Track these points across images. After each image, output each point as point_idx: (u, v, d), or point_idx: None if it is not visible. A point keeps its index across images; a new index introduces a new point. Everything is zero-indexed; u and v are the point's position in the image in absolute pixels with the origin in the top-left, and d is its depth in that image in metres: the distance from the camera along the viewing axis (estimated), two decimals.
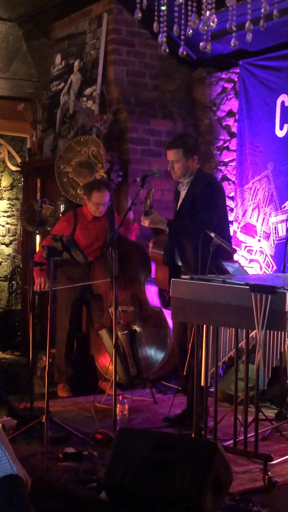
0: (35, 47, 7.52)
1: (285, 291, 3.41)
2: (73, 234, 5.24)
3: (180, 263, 4.49)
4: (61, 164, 6.11)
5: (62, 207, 6.48)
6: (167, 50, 3.00)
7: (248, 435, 3.74)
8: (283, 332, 3.50)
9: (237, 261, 4.40)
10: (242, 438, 3.73)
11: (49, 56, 7.22)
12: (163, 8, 3.02)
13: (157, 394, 5.38)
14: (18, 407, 4.77)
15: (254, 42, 4.62)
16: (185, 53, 3.06)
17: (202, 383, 3.79)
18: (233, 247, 4.12)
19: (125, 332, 5.00)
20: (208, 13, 2.90)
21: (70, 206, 6.27)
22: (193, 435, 3.91)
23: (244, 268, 4.75)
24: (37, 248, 6.43)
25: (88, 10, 6.55)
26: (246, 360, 3.69)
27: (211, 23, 2.93)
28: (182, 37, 3.03)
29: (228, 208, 6.08)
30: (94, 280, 5.22)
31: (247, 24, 2.90)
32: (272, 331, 3.49)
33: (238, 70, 5.91)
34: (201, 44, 2.95)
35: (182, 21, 3.05)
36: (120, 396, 4.36)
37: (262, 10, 2.85)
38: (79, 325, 5.79)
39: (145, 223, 4.45)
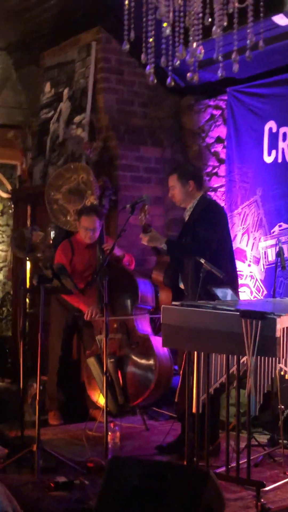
0: (25, 75, 7.59)
1: (275, 317, 3.43)
2: (70, 262, 5.26)
3: (182, 286, 4.51)
4: (51, 191, 6.13)
5: (52, 234, 6.50)
6: (155, 80, 3.03)
7: (240, 462, 3.73)
8: (273, 358, 3.50)
9: (228, 287, 4.41)
10: (235, 464, 3.72)
11: (39, 84, 7.29)
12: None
13: (149, 420, 5.36)
14: (9, 436, 4.74)
15: (241, 70, 4.67)
16: (172, 83, 3.10)
17: (194, 410, 3.78)
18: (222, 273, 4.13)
19: (111, 360, 4.97)
20: (195, 44, 2.95)
21: (60, 232, 6.29)
22: (185, 463, 3.89)
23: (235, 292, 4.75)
24: (28, 275, 6.44)
25: (77, 39, 6.63)
26: (238, 385, 3.69)
27: (198, 54, 2.98)
28: (169, 67, 3.07)
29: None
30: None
31: (233, 55, 2.94)
32: (263, 357, 3.49)
33: (226, 97, 5.97)
34: (188, 74, 3.00)
35: (170, 52, 3.09)
36: (112, 424, 4.34)
37: (248, 41, 2.91)
38: (71, 350, 5.77)
39: (144, 240, 4.48)
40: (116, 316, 5.09)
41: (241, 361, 3.65)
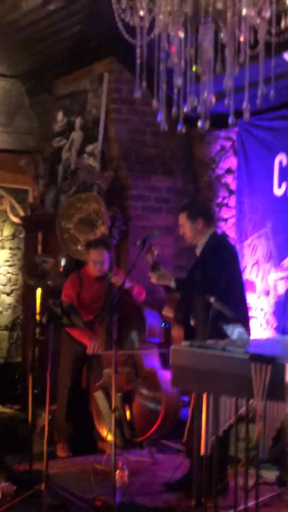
0: (37, 103, 7.66)
1: (284, 362, 3.41)
2: (79, 294, 5.27)
3: (193, 323, 4.51)
4: (62, 221, 6.17)
5: (63, 262, 6.52)
6: (166, 128, 3.07)
7: (249, 504, 3.70)
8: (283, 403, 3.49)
9: (238, 324, 4.41)
10: (243, 506, 3.69)
11: (51, 111, 7.35)
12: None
13: (157, 453, 5.34)
14: (17, 470, 4.74)
15: (252, 102, 4.73)
16: (184, 130, 3.13)
17: (202, 452, 3.76)
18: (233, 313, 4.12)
19: (119, 394, 4.97)
20: (205, 93, 2.98)
21: (71, 261, 6.32)
22: (193, 503, 3.87)
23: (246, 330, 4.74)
24: (38, 302, 6.45)
25: (89, 69, 6.69)
26: (246, 421, 3.67)
27: (209, 103, 3.02)
28: (180, 114, 3.10)
29: None
30: None
31: (245, 95, 3.00)
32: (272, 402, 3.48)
33: (236, 129, 6.00)
34: (199, 123, 3.03)
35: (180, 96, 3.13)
36: (120, 462, 4.33)
37: (260, 89, 2.96)
38: (81, 382, 5.77)
39: (153, 279, 4.49)
40: (123, 350, 5.08)
41: (250, 402, 3.64)
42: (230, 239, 6.15)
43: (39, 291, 6.66)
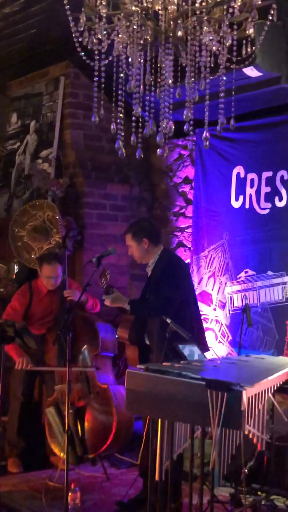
0: None
1: (241, 388, 3.37)
2: (28, 308, 5.15)
3: (148, 342, 4.45)
4: (15, 228, 6.02)
5: (15, 268, 6.39)
6: (124, 154, 2.99)
7: None
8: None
9: (194, 344, 4.37)
10: None
11: (5, 113, 7.17)
12: None
13: (110, 468, 5.27)
14: None
15: (212, 113, 4.70)
16: (142, 155, 3.06)
17: (157, 477, 3.70)
18: (189, 335, 4.07)
19: (70, 411, 4.88)
20: (165, 121, 2.90)
21: (24, 268, 6.18)
22: None
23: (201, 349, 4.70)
24: None
25: (45, 72, 6.54)
26: (202, 440, 3.62)
27: (168, 130, 2.95)
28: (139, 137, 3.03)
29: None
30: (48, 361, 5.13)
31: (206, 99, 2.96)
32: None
33: (194, 138, 5.93)
34: (158, 151, 2.97)
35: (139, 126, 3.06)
36: (72, 484, 4.24)
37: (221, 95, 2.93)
38: (32, 395, 5.65)
39: (107, 302, 4.42)
40: (76, 367, 4.98)
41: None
42: (184, 251, 6.11)
43: None
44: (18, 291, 5.32)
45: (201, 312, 5.77)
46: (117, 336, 4.78)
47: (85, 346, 5.09)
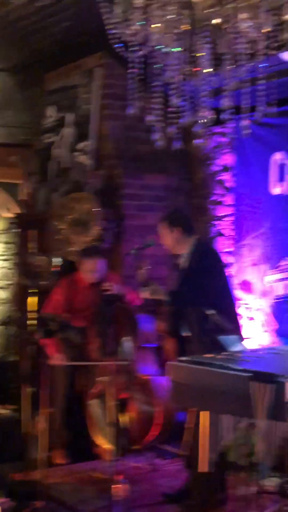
0: (27, 96, 7.49)
1: (284, 380, 3.32)
2: (70, 300, 5.16)
3: (185, 334, 4.43)
4: (55, 221, 6.04)
5: (56, 261, 6.41)
6: (162, 146, 2.97)
7: None
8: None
9: (235, 334, 4.33)
10: None
11: (42, 105, 7.19)
12: None
13: (155, 459, 5.27)
14: (13, 481, 4.66)
15: (251, 99, 4.66)
16: (179, 146, 3.02)
17: (202, 469, 3.68)
18: (232, 325, 4.05)
19: (114, 403, 4.88)
20: (203, 110, 2.87)
21: (64, 261, 6.20)
22: None
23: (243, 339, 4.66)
24: (28, 306, 6.34)
25: (80, 63, 6.52)
26: (247, 430, 3.58)
27: (207, 119, 2.91)
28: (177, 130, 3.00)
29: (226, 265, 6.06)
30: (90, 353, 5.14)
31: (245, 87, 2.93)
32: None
33: (233, 125, 5.85)
34: (197, 141, 2.93)
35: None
36: (120, 476, 4.25)
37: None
38: (74, 388, 5.67)
39: (145, 294, 4.40)
40: (117, 360, 4.98)
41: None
42: (223, 241, 6.06)
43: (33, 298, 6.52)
44: (60, 284, 5.33)
45: (240, 302, 5.76)
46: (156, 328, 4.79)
47: (126, 338, 5.08)
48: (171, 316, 4.48)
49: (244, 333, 4.62)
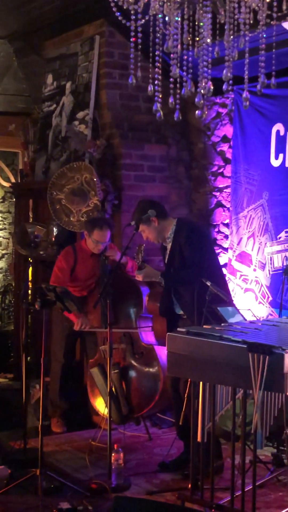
0: (26, 64, 7.41)
1: (282, 351, 3.35)
2: (73, 270, 5.16)
3: (179, 312, 4.45)
4: (53, 191, 6.01)
5: (55, 231, 6.39)
6: (162, 117, 2.95)
7: (245, 488, 3.68)
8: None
9: (232, 305, 4.35)
10: (240, 493, 3.68)
11: (41, 73, 7.11)
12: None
13: (152, 428, 5.33)
14: (12, 449, 4.71)
15: (251, 69, 4.61)
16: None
17: (199, 439, 3.73)
18: (228, 296, 4.07)
19: (116, 371, 4.93)
20: (204, 81, 2.83)
21: (63, 230, 6.18)
22: (189, 486, 3.86)
23: (239, 311, 4.67)
24: (30, 276, 6.35)
25: (79, 31, 6.43)
26: (244, 401, 3.61)
27: (207, 90, 2.88)
28: (178, 102, 2.96)
29: (223, 235, 6.04)
30: (90, 322, 5.17)
31: (246, 57, 2.89)
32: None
33: (233, 95, 5.81)
34: (197, 112, 2.90)
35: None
36: (115, 445, 4.30)
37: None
38: (74, 357, 5.72)
39: (139, 277, 4.42)
40: (120, 328, 5.01)
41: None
42: (223, 212, 6.05)
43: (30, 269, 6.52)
44: (62, 253, 5.32)
45: (238, 273, 5.77)
46: (147, 308, 4.82)
47: (128, 307, 5.10)
48: (163, 296, 4.50)
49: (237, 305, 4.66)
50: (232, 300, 4.54)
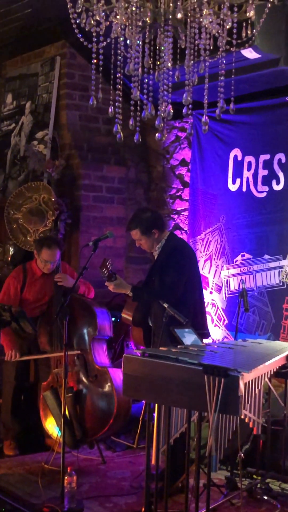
0: None
1: (238, 374, 3.36)
2: (22, 290, 5.11)
3: (151, 325, 4.48)
4: (11, 210, 5.98)
5: (11, 250, 6.35)
6: (122, 139, 2.96)
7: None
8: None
9: (190, 327, 4.37)
10: None
11: (0, 92, 7.09)
12: None
13: (106, 451, 5.28)
14: None
15: (211, 94, 4.68)
16: (140, 140, 3.01)
17: (153, 462, 3.71)
18: (185, 319, 4.08)
19: (69, 394, 4.87)
20: (164, 105, 2.86)
21: (19, 250, 6.15)
22: (143, 510, 3.83)
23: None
24: None
25: (40, 52, 6.45)
26: (199, 424, 3.61)
27: (167, 113, 2.91)
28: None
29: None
30: (40, 345, 5.13)
31: (206, 82, 2.93)
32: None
33: (192, 120, 5.88)
34: (157, 135, 2.92)
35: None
36: (68, 468, 4.24)
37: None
38: (27, 378, 5.64)
39: (110, 287, 4.42)
40: (73, 350, 4.96)
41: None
42: (181, 234, 6.09)
43: None
44: (12, 273, 5.27)
45: None
46: (122, 317, 4.80)
47: (82, 330, 5.06)
48: (138, 306, 4.54)
49: (207, 329, 4.69)
50: (204, 323, 4.56)
